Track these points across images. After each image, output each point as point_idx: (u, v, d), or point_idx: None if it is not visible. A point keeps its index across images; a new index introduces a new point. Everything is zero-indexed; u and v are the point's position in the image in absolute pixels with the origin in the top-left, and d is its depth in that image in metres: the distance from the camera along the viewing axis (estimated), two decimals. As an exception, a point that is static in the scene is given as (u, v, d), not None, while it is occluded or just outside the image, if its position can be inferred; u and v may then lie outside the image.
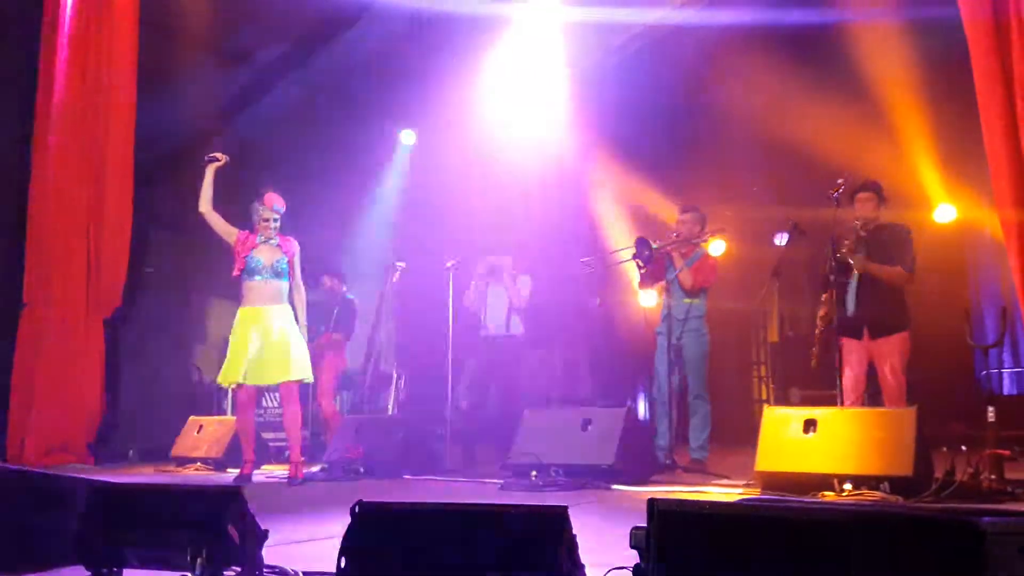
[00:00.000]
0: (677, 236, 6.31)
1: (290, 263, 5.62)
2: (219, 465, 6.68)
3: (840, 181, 5.41)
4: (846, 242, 5.21)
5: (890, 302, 5.33)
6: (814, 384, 7.75)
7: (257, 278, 5.51)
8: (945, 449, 4.71)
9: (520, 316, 6.84)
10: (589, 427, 5.37)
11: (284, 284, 5.58)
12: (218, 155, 5.58)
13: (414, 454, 6.08)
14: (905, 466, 4.10)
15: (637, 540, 1.59)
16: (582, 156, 8.95)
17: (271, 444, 7.56)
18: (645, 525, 1.60)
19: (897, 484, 4.05)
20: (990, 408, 4.60)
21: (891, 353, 5.24)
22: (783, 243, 6.22)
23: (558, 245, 8.31)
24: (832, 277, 5.25)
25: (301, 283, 5.70)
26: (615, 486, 4.93)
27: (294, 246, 5.68)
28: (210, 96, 8.57)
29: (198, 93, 8.35)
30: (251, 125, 8.89)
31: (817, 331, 5.33)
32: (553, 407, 7.99)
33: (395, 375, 7.21)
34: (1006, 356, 8.21)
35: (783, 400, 8.15)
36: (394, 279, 6.64)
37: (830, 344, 5.21)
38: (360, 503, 1.97)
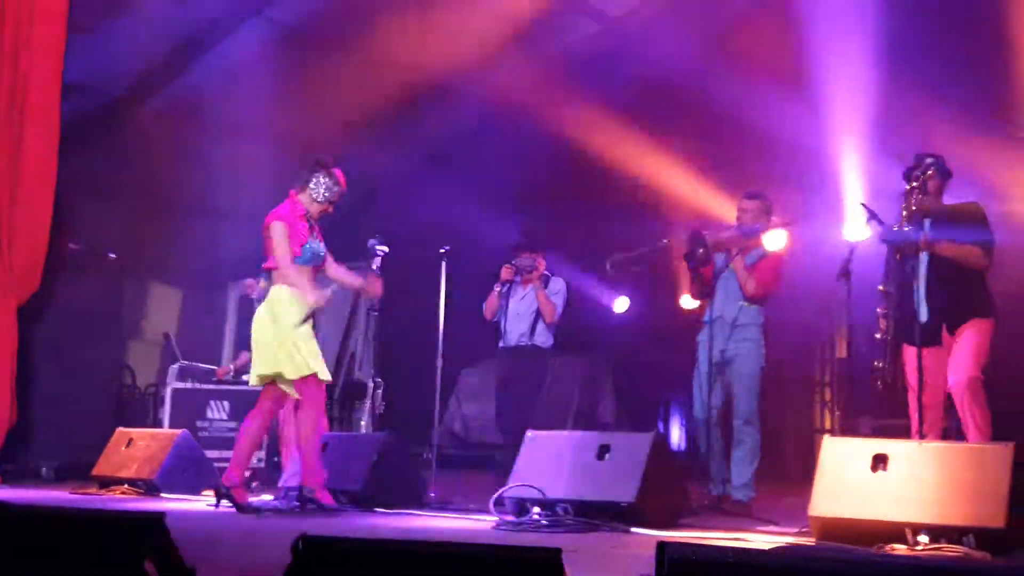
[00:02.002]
0: (738, 227, 6.28)
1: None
2: (151, 488, 6.69)
3: (930, 161, 5.36)
4: (903, 213, 5.19)
5: (969, 287, 5.31)
6: (892, 411, 7.69)
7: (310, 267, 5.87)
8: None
9: (550, 327, 7.02)
10: (607, 455, 5.33)
11: None
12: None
13: (391, 482, 6.06)
14: (995, 516, 4.05)
15: (642, 593, 1.55)
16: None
17: (217, 464, 7.56)
18: (651, 574, 1.57)
19: (985, 537, 4.01)
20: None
21: (962, 345, 5.21)
22: (856, 235, 6.15)
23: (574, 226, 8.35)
24: (888, 288, 5.21)
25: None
26: (635, 529, 4.89)
27: None
28: (157, 35, 8.58)
29: (142, 31, 8.35)
30: (207, 74, 8.90)
31: (879, 335, 5.29)
32: (565, 429, 7.98)
33: (372, 385, 7.21)
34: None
35: (851, 430, 8.09)
36: (374, 266, 6.60)
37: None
38: (304, 538, 1.95)
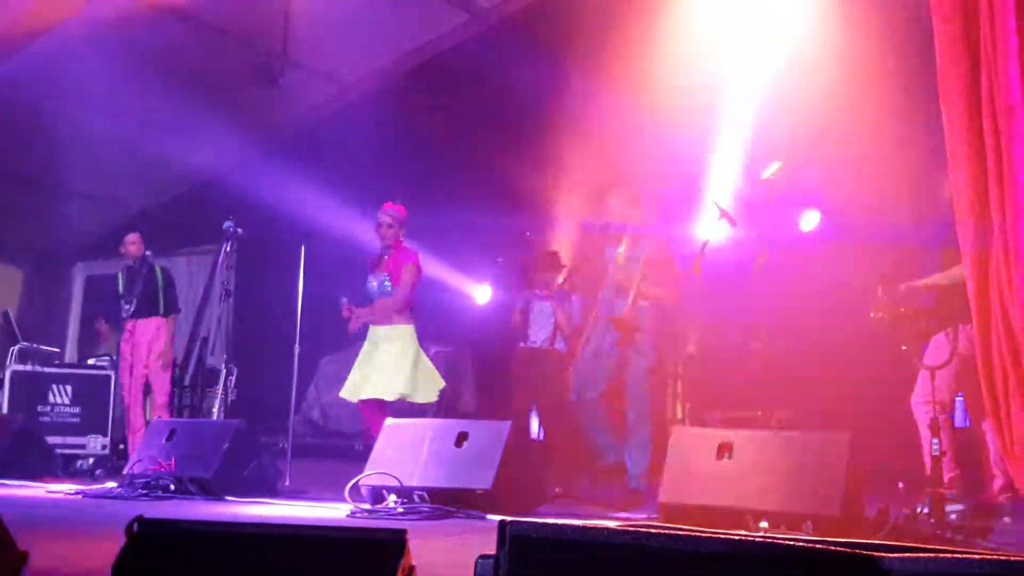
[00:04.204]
0: (611, 228, 6.44)
1: (394, 279, 6.49)
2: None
3: (778, 165, 5.57)
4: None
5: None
6: (738, 403, 7.96)
7: (373, 300, 6.56)
8: (879, 485, 4.92)
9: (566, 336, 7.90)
10: (465, 443, 5.35)
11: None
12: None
13: (243, 471, 5.94)
14: (832, 504, 4.24)
15: (483, 571, 1.57)
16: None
17: (59, 451, 7.26)
18: (494, 553, 1.59)
19: (822, 524, 4.19)
20: (935, 441, 4.81)
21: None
22: (707, 233, 6.34)
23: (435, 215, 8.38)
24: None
25: (397, 293, 6.52)
26: (491, 516, 4.93)
27: (407, 257, 6.58)
28: None
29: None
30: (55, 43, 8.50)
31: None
32: (425, 418, 7.97)
33: (224, 371, 7.03)
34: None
35: (700, 421, 8.34)
36: (227, 249, 6.44)
37: None
38: (140, 520, 1.90)
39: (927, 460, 5.11)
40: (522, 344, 7.95)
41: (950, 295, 5.17)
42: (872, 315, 5.31)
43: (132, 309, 7.61)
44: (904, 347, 5.28)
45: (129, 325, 7.65)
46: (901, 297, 5.24)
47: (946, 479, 4.93)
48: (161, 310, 7.68)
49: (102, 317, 7.79)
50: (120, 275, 7.77)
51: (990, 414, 4.50)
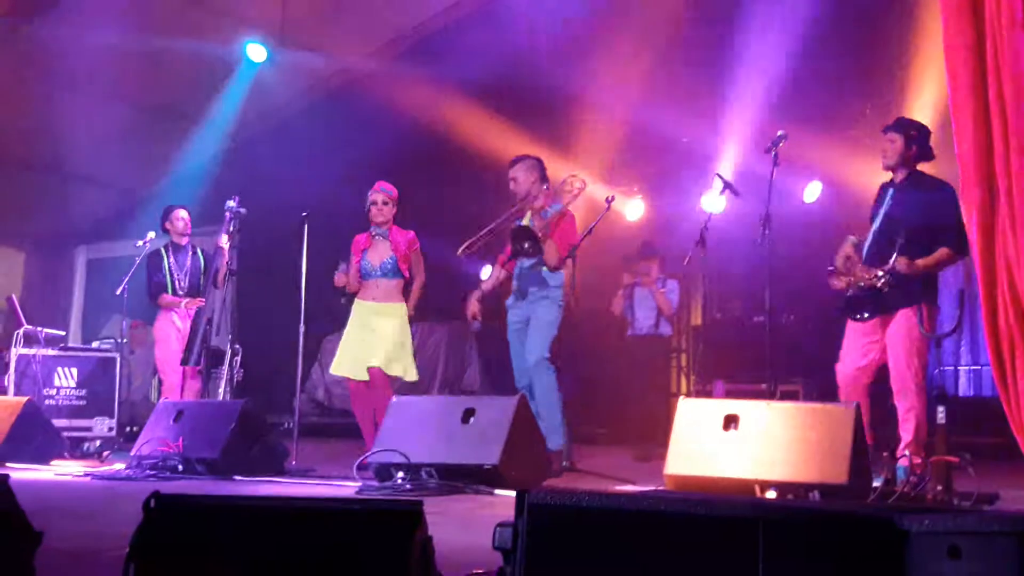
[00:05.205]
0: (522, 201, 6.37)
1: (401, 258, 6.50)
2: (-3, 456, 6.42)
3: (781, 134, 5.56)
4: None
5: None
6: (744, 376, 7.99)
7: (370, 279, 6.54)
8: (885, 454, 4.94)
9: (669, 319, 8.36)
10: (471, 419, 5.35)
11: (397, 282, 6.56)
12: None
13: (250, 450, 5.95)
14: (839, 473, 4.26)
15: (502, 539, 1.58)
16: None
17: (65, 434, 7.28)
18: (512, 521, 1.60)
19: (829, 493, 4.21)
20: (940, 409, 4.82)
21: (901, 331, 5.14)
22: (712, 206, 6.34)
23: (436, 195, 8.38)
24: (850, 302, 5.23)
25: (419, 275, 6.60)
26: (499, 491, 4.95)
27: (408, 238, 6.57)
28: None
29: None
30: (55, 26, 8.48)
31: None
32: (431, 394, 8.01)
33: (229, 352, 7.03)
34: (964, 351, 8.63)
35: (705, 394, 8.37)
36: (231, 228, 6.42)
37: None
38: (156, 496, 1.91)
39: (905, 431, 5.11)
40: (629, 332, 8.34)
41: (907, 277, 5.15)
42: (835, 281, 5.33)
43: (187, 287, 7.62)
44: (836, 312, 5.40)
45: (186, 302, 7.61)
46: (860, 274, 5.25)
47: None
48: (201, 292, 7.67)
49: (164, 293, 7.63)
50: (164, 251, 7.68)
51: (997, 384, 4.51)
